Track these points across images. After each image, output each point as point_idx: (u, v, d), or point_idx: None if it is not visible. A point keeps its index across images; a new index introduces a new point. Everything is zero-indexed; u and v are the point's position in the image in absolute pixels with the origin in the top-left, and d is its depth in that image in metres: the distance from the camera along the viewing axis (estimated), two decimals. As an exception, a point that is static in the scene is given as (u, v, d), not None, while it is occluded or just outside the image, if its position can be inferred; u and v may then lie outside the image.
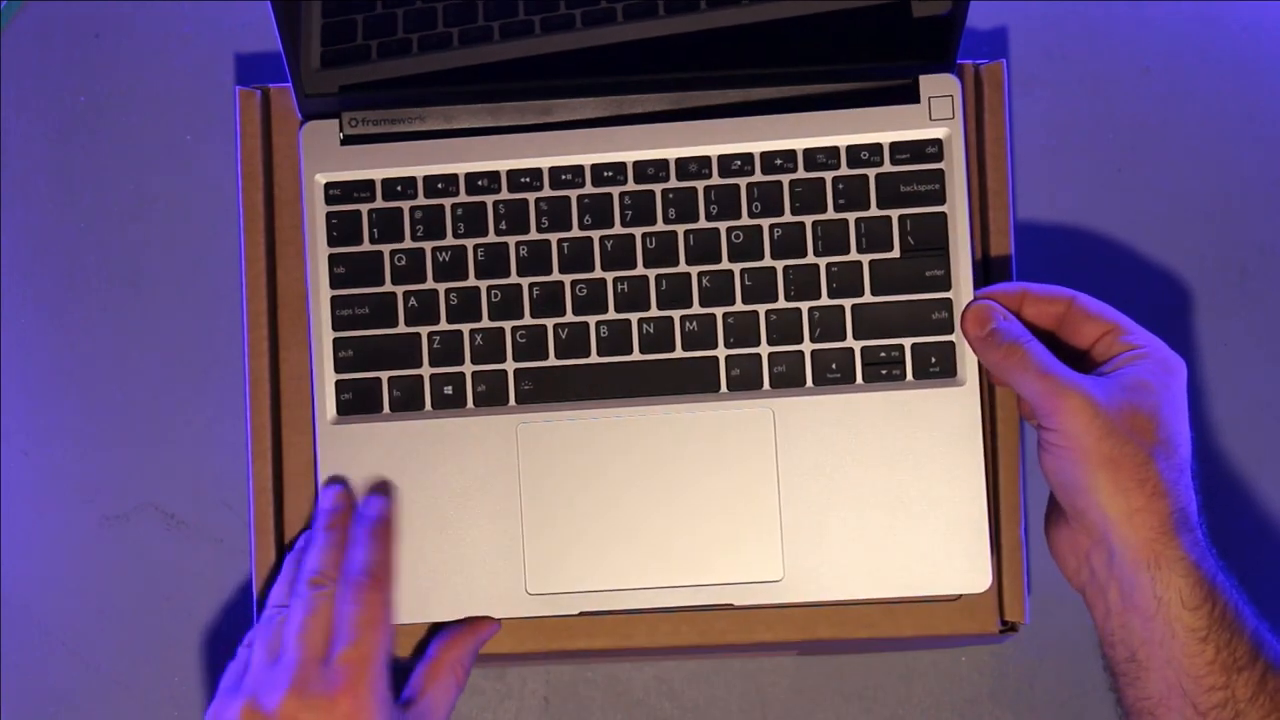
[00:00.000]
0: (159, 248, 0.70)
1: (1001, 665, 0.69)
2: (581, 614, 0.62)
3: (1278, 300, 0.71)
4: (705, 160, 0.62)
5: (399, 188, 0.62)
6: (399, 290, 0.62)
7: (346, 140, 0.65)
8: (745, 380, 0.61)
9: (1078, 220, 0.71)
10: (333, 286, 0.62)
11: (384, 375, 0.62)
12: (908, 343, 0.61)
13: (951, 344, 0.62)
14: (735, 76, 0.64)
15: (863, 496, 0.61)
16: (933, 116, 0.62)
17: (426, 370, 0.62)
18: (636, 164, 0.62)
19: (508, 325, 0.62)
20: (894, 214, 0.62)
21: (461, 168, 0.62)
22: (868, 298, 0.62)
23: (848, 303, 0.62)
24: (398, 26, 0.64)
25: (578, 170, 0.62)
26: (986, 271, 0.67)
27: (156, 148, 0.71)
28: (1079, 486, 0.56)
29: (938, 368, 0.61)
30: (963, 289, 0.62)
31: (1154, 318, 0.71)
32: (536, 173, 0.62)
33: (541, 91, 0.64)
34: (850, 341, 0.61)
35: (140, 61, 0.71)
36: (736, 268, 0.62)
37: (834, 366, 0.61)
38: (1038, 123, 0.71)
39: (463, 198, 0.62)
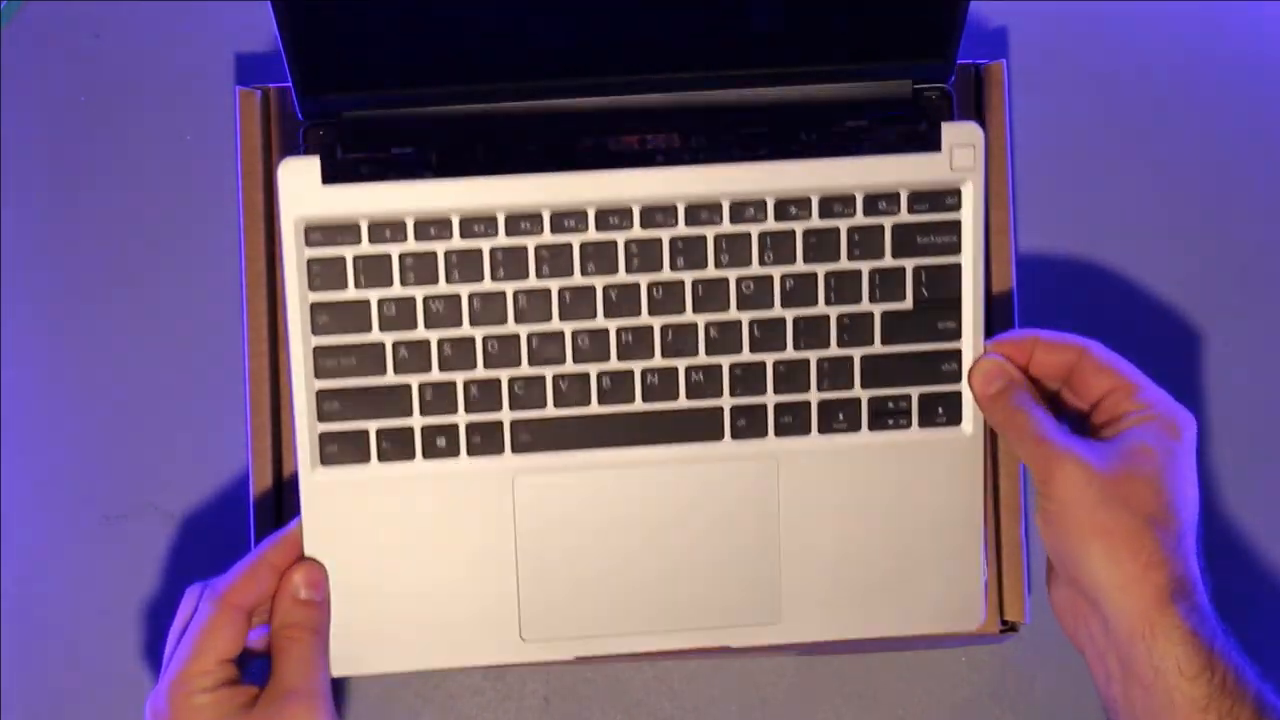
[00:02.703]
0: (159, 248, 0.70)
1: (1001, 665, 0.69)
2: (577, 659, 0.61)
3: (1278, 300, 0.71)
4: (715, 206, 0.59)
5: (387, 231, 0.58)
6: (388, 339, 0.58)
7: (347, 143, 0.65)
8: (750, 430, 0.60)
9: (1077, 220, 0.71)
10: (315, 334, 0.59)
11: (371, 425, 0.59)
12: (915, 392, 0.60)
13: (959, 393, 0.60)
14: (736, 77, 0.65)
15: (862, 540, 0.61)
16: (954, 166, 0.59)
17: (417, 420, 0.59)
18: (644, 209, 0.59)
19: (504, 375, 0.59)
20: (908, 264, 0.60)
21: (455, 210, 0.58)
22: (877, 348, 0.60)
23: (857, 352, 0.60)
24: (398, 26, 0.64)
25: (580, 215, 0.59)
26: (987, 271, 0.67)
27: (156, 148, 0.71)
28: (1073, 556, 0.55)
29: (944, 417, 0.60)
30: (973, 340, 0.60)
31: (1154, 318, 0.71)
32: (536, 218, 0.59)
33: (543, 91, 0.64)
34: (858, 390, 0.60)
35: (140, 61, 0.71)
36: (745, 317, 0.59)
37: (840, 417, 0.60)
38: (1038, 123, 0.71)
39: (456, 242, 0.58)
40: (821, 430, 0.60)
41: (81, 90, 0.71)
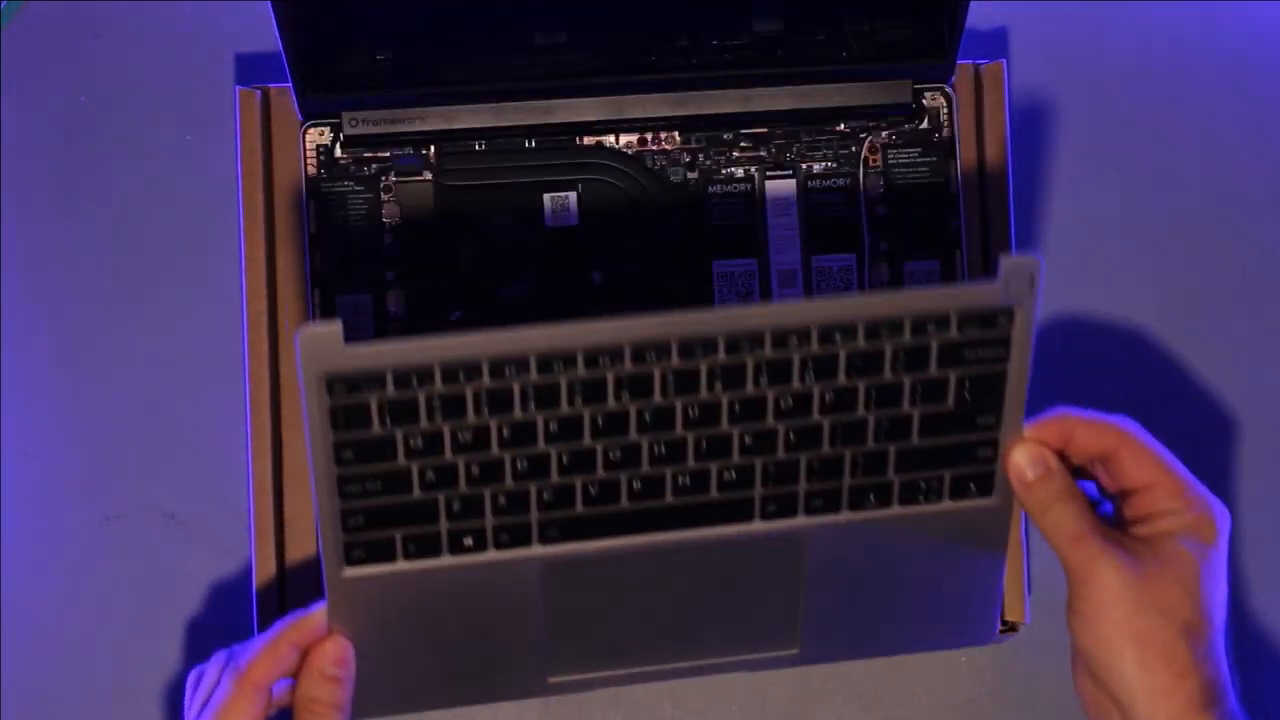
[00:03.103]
0: (159, 247, 0.70)
1: (1001, 665, 0.69)
2: (599, 690, 0.61)
3: (1278, 300, 0.71)
4: (758, 338, 0.55)
5: (414, 379, 0.54)
6: (414, 465, 0.55)
7: (347, 141, 0.65)
8: (780, 512, 0.58)
9: (1078, 220, 0.71)
10: (339, 466, 0.55)
11: (397, 533, 0.57)
12: (948, 474, 0.58)
13: (992, 471, 0.58)
14: (737, 78, 0.65)
15: (885, 582, 0.60)
16: (1009, 293, 0.55)
17: (444, 526, 0.57)
18: (681, 344, 0.55)
19: (533, 485, 0.56)
20: (952, 374, 0.57)
21: (484, 356, 0.54)
22: (914, 441, 0.57)
23: (893, 446, 0.58)
24: (398, 26, 0.64)
25: (616, 352, 0.55)
26: (987, 272, 0.67)
27: (156, 148, 0.71)
28: (1103, 658, 0.55)
29: (975, 490, 0.59)
30: (1011, 431, 0.58)
31: (1155, 318, 0.71)
32: (570, 358, 0.54)
33: (543, 91, 0.64)
34: (891, 475, 0.58)
35: (140, 61, 0.71)
36: (781, 426, 0.57)
37: (872, 498, 0.58)
38: (1038, 123, 0.71)
39: (486, 383, 0.54)
40: (852, 508, 0.58)
41: (81, 90, 0.71)
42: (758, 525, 0.58)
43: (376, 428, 0.54)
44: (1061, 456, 0.58)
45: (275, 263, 0.66)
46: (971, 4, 0.61)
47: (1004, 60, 0.67)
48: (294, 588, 0.65)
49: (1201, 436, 0.70)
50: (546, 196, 0.66)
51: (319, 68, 0.63)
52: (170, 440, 0.69)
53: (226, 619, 0.68)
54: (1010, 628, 0.64)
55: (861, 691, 0.69)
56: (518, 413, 0.55)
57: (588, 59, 0.64)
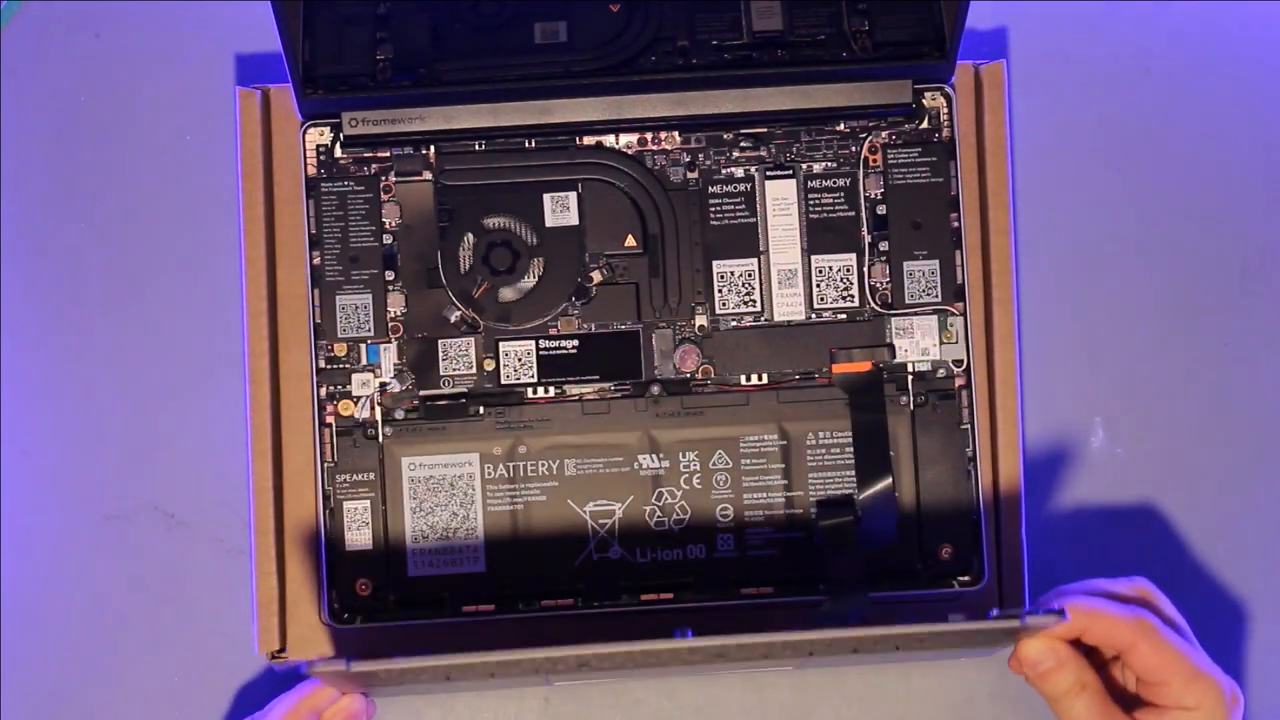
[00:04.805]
0: (159, 248, 0.70)
1: (1001, 665, 0.69)
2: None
3: (1278, 300, 0.71)
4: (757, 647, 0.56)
5: (414, 673, 0.55)
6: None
7: (347, 141, 0.65)
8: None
9: (1078, 220, 0.71)
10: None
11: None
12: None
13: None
14: (737, 77, 0.65)
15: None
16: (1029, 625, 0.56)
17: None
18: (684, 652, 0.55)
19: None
20: None
21: (491, 662, 0.55)
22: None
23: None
24: (398, 26, 0.64)
25: (617, 660, 0.56)
26: (986, 274, 0.67)
27: (156, 148, 0.71)
28: None
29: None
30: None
31: (1155, 317, 0.71)
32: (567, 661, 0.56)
33: (543, 91, 0.64)
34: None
35: (140, 61, 0.71)
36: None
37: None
38: (1038, 123, 0.71)
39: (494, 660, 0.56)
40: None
41: (81, 90, 0.71)
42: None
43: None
44: (1078, 642, 0.58)
45: (275, 263, 0.66)
46: (971, 4, 0.61)
47: (1004, 60, 0.67)
48: (294, 587, 0.66)
49: (1199, 435, 0.70)
50: (546, 196, 0.66)
51: (319, 68, 0.63)
52: (170, 440, 0.69)
53: (226, 619, 0.68)
54: (1010, 628, 0.64)
55: (862, 693, 0.69)
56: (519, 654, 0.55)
57: (588, 59, 0.64)
